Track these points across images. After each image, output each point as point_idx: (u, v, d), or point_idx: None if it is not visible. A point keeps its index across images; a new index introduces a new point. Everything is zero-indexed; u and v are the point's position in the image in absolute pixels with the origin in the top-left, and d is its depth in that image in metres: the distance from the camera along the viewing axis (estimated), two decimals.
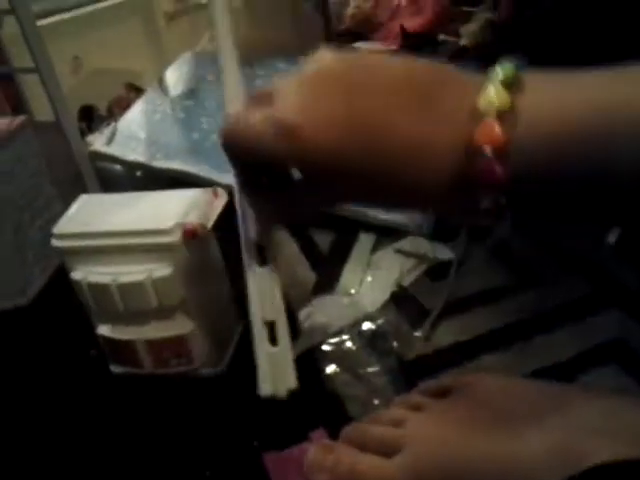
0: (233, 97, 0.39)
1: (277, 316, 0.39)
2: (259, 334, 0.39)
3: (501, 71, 0.28)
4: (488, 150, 0.26)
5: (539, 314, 0.60)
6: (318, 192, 0.32)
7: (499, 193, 0.26)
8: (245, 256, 0.40)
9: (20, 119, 0.77)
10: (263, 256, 0.40)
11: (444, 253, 0.69)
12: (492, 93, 0.27)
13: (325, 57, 0.32)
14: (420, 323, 0.61)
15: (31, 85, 0.85)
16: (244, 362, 0.64)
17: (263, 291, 0.40)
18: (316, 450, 0.40)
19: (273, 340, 0.40)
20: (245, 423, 0.54)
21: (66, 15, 1.05)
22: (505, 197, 0.27)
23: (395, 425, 0.39)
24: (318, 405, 0.54)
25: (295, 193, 0.34)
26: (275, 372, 0.39)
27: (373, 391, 0.54)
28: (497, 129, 0.26)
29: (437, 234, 0.72)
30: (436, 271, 0.68)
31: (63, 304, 0.73)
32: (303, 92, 0.30)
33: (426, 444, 0.36)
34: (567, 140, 0.25)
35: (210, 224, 0.53)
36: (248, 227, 0.40)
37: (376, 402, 0.53)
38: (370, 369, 0.56)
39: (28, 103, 0.85)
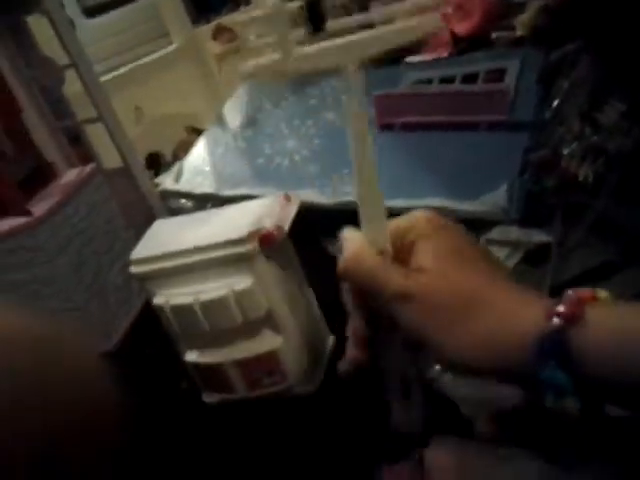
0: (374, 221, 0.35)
1: None
2: None
3: None
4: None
5: None
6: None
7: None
8: (390, 387, 0.39)
9: (89, 167, 0.79)
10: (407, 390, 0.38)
11: (539, 236, 0.63)
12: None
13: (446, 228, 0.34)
14: None
15: (97, 137, 0.87)
16: (337, 378, 0.61)
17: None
18: None
19: None
20: (352, 440, 0.50)
21: (123, 69, 1.09)
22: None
23: None
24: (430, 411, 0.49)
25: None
26: None
27: (485, 388, 0.49)
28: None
29: (527, 219, 0.67)
30: (534, 256, 0.62)
31: (148, 345, 0.72)
32: (439, 272, 0.32)
33: None
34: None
35: (286, 227, 0.50)
36: (390, 358, 0.38)
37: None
38: None
39: (95, 153, 0.87)
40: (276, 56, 0.29)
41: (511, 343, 0.29)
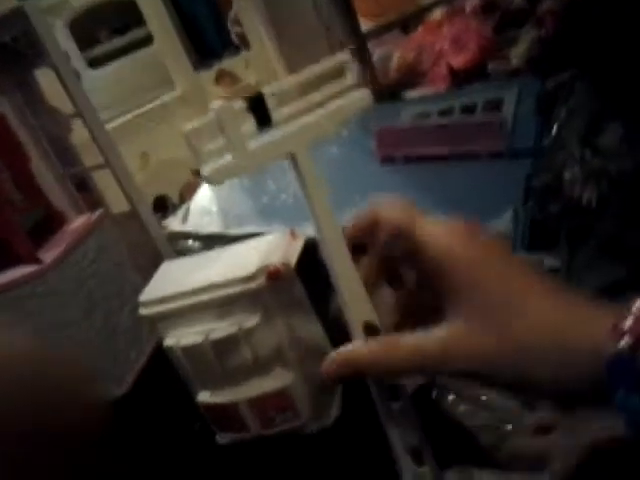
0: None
1: None
2: None
3: None
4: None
5: None
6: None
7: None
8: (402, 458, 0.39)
9: (97, 213, 0.80)
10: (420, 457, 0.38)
11: (549, 261, 0.64)
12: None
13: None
14: None
15: (104, 183, 0.89)
16: (351, 412, 0.60)
17: None
18: None
19: None
20: (364, 476, 0.49)
21: (128, 116, 1.12)
22: None
23: None
24: (447, 443, 0.48)
25: None
26: None
27: (503, 417, 0.48)
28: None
29: (533, 245, 0.67)
30: None
31: (161, 387, 0.71)
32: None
33: None
34: None
35: (293, 263, 0.50)
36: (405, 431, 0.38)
37: (509, 427, 0.47)
38: (494, 394, 0.50)
39: (103, 199, 0.89)
40: (230, 157, 0.29)
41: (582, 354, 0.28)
